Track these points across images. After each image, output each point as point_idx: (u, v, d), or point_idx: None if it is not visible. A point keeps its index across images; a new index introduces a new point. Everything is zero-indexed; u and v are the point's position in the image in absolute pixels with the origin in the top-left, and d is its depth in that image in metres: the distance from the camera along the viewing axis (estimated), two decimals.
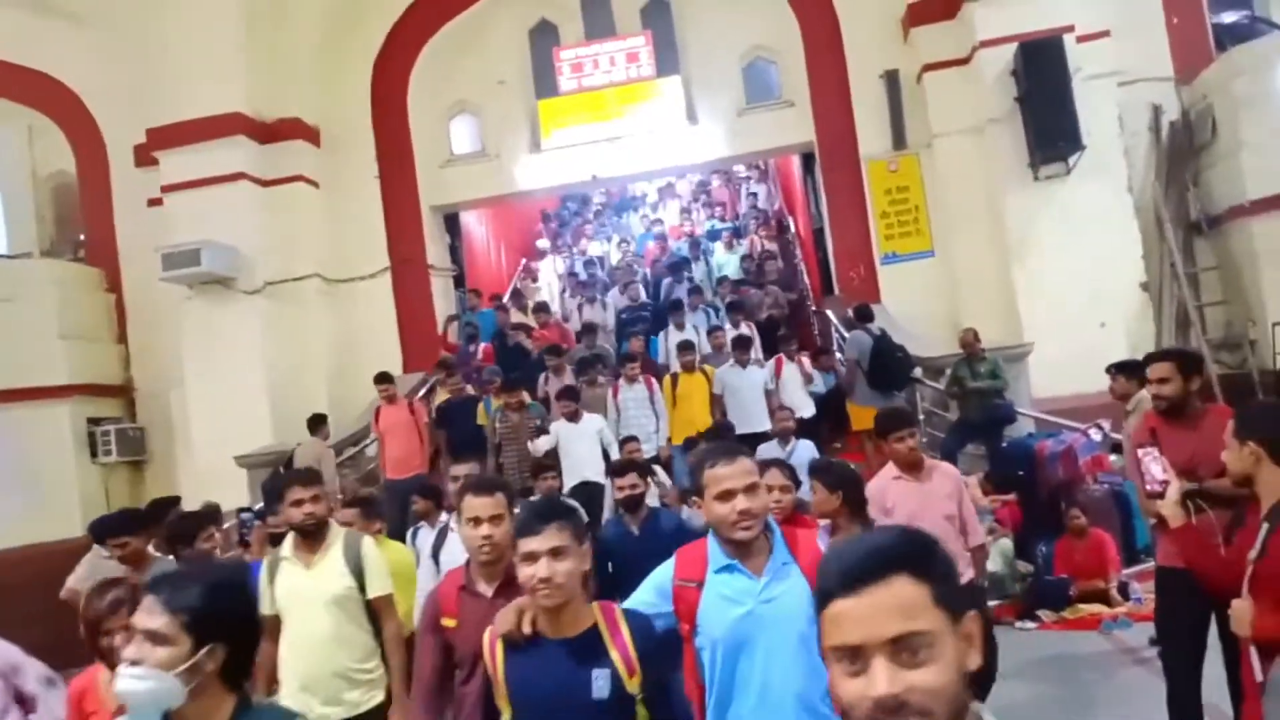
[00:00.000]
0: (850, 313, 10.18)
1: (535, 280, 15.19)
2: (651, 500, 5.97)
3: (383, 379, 9.75)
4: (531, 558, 2.35)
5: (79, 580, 6.62)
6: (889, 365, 9.37)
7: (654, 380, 9.30)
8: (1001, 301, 10.67)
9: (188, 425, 11.53)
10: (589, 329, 11.61)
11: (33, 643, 3.61)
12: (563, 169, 12.92)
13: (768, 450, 7.63)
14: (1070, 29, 10.44)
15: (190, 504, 9.06)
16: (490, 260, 15.60)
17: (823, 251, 12.67)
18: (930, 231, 11.64)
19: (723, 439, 6.31)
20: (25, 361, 11.43)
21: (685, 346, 9.57)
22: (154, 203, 12.08)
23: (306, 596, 3.98)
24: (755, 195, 16.04)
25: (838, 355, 10.63)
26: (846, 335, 10.14)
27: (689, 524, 5.14)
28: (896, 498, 4.77)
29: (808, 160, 12.96)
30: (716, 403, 9.19)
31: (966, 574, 4.76)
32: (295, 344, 11.87)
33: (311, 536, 4.05)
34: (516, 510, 3.08)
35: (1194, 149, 11.36)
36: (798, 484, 4.55)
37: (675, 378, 9.34)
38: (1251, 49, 11.01)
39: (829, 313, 11.65)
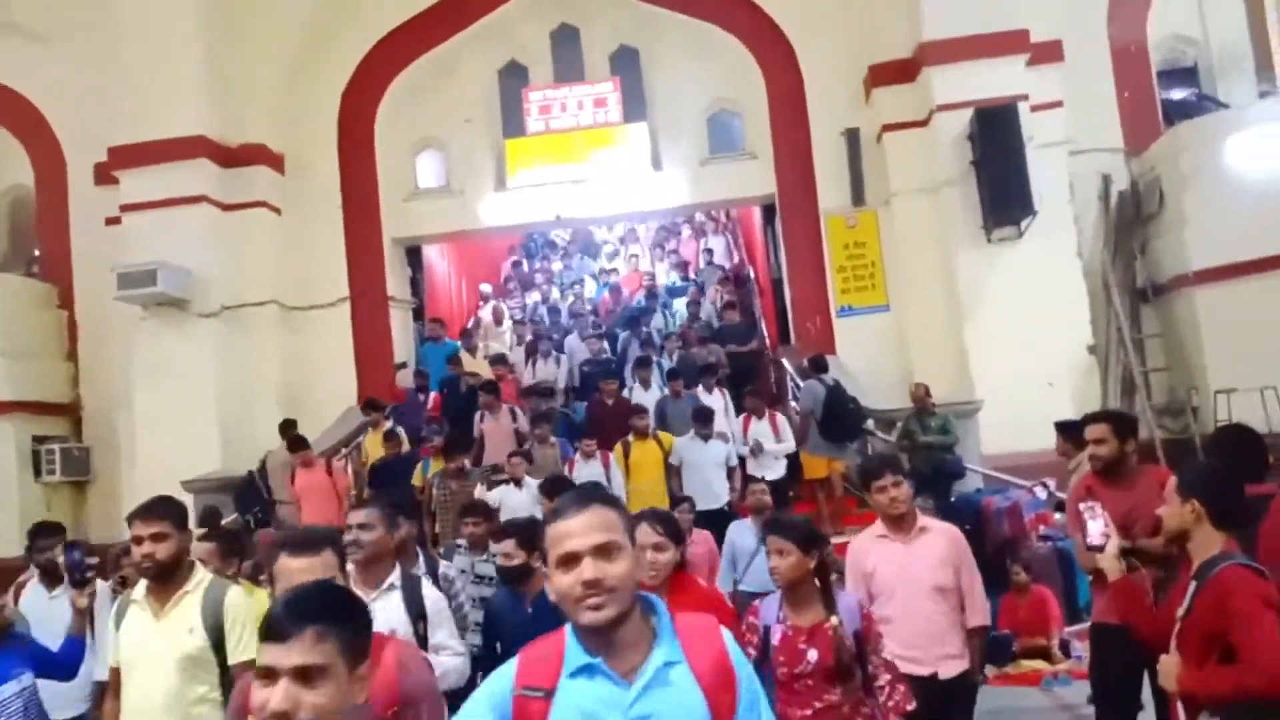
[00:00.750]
0: (805, 363, 10.32)
1: (499, 323, 14.13)
2: None
3: (296, 444, 9.18)
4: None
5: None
6: (842, 416, 9.50)
7: (609, 455, 8.54)
8: (953, 358, 10.88)
9: (134, 446, 11.33)
10: (540, 392, 10.44)
11: None
12: (527, 208, 13.01)
13: (742, 530, 6.80)
14: (1024, 98, 10.79)
15: None
16: (451, 294, 15.59)
17: (781, 302, 12.85)
18: (886, 286, 11.86)
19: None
20: None
21: (637, 411, 9.05)
22: (111, 221, 11.94)
23: (151, 651, 3.32)
24: (710, 251, 15.83)
25: (793, 404, 10.75)
26: (801, 384, 10.27)
27: None
28: (878, 560, 4.15)
29: (768, 212, 13.18)
30: (673, 473, 8.61)
31: (957, 663, 4.07)
32: (249, 370, 11.75)
33: (163, 580, 3.37)
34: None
35: (1141, 219, 11.75)
36: (679, 540, 3.72)
37: (627, 445, 8.70)
38: (1198, 125, 11.47)
39: (785, 362, 11.79)
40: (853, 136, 11.83)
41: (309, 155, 12.70)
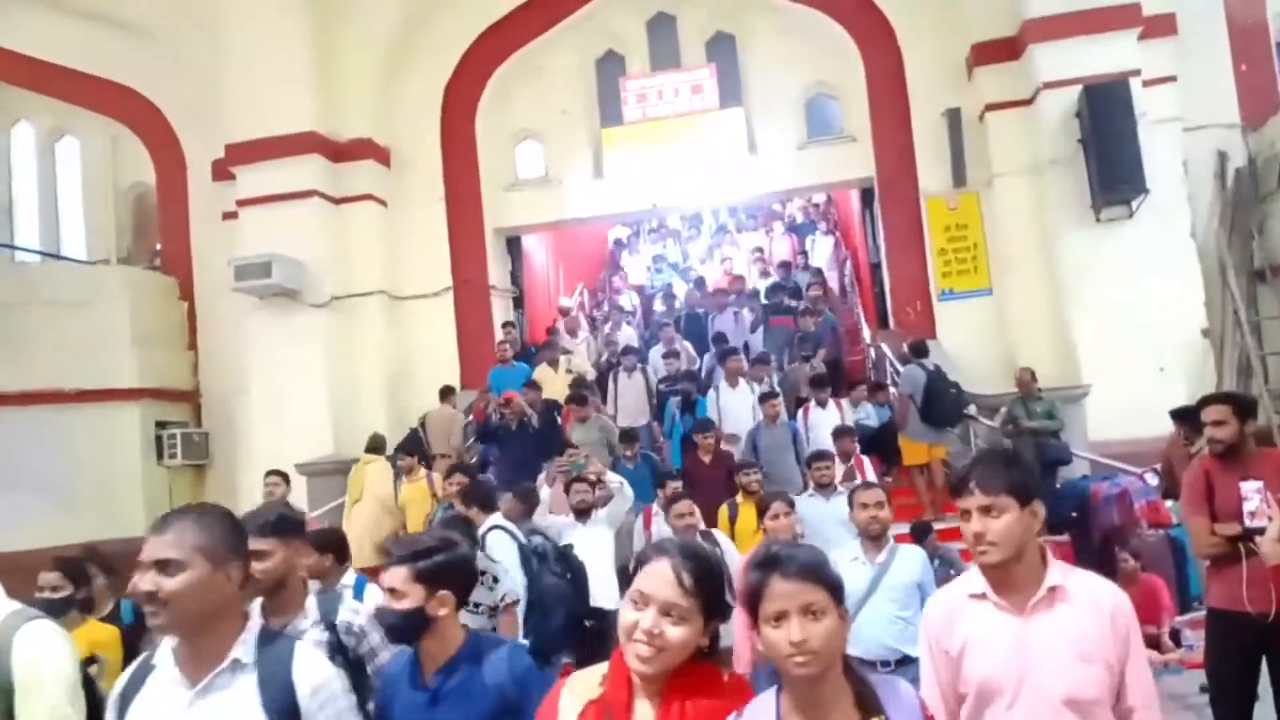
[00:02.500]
0: (905, 347, 10.22)
1: (575, 334, 12.92)
2: None
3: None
4: None
5: None
6: (942, 401, 9.39)
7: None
8: (1059, 342, 10.63)
9: (250, 432, 11.84)
10: (625, 436, 8.81)
11: None
12: (623, 196, 13.14)
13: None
14: (1136, 73, 10.44)
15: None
16: (549, 284, 15.84)
17: (880, 286, 12.71)
18: (988, 269, 11.64)
19: None
20: (98, 364, 11.84)
21: (744, 466, 7.36)
22: (228, 216, 12.49)
23: None
24: (805, 255, 15.13)
25: (892, 390, 10.65)
26: (901, 370, 10.17)
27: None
28: (973, 638, 2.46)
29: (867, 195, 13.04)
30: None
31: None
32: (356, 358, 12.16)
33: None
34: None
35: (1259, 196, 11.26)
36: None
37: (735, 508, 6.92)
38: None
39: (884, 347, 11.68)
40: (954, 117, 11.61)
41: (413, 148, 13.04)
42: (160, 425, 12.46)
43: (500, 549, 5.54)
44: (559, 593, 5.78)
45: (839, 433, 8.19)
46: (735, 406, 9.43)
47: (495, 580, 4.92)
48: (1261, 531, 3.38)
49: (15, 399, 11.23)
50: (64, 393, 11.57)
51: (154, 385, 12.39)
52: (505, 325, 12.53)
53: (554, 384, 10.68)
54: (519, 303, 13.90)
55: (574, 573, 6.07)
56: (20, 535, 9.10)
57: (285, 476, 8.12)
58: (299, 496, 10.52)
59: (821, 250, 15.35)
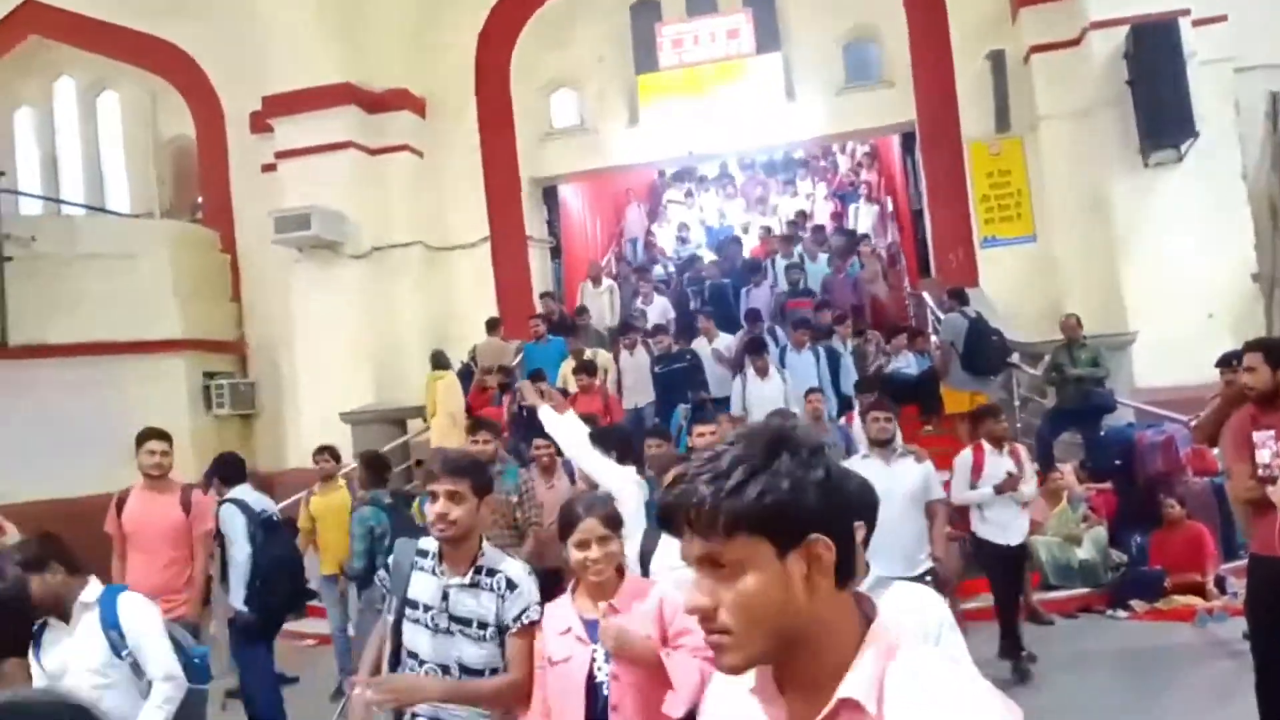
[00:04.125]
0: (945, 295, 10.14)
1: (598, 283, 12.64)
2: None
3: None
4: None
5: None
6: (984, 349, 9.33)
7: None
8: (1104, 288, 10.49)
9: (296, 382, 12.03)
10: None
11: None
12: (660, 144, 13.05)
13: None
14: (1186, 13, 10.15)
15: (302, 458, 9.53)
16: (586, 234, 15.82)
17: (920, 233, 12.58)
18: (1032, 216, 11.47)
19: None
20: (145, 317, 12.01)
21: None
22: (268, 168, 12.57)
23: None
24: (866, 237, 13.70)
25: (933, 338, 10.59)
26: (942, 318, 10.10)
27: None
28: None
29: (907, 141, 12.85)
30: None
31: None
32: (397, 309, 12.28)
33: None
34: None
35: None
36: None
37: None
38: None
39: (925, 295, 11.59)
40: (997, 59, 11.37)
41: (448, 98, 13.01)
42: (208, 376, 12.68)
43: (229, 522, 5.81)
44: (283, 564, 5.97)
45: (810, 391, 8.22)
46: (766, 398, 8.58)
47: None
48: (1275, 480, 3.37)
49: (67, 350, 11.44)
50: (113, 344, 11.77)
51: (200, 337, 12.59)
52: (543, 297, 12.31)
53: (572, 380, 9.96)
54: (556, 253, 13.92)
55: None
56: (76, 483, 9.33)
57: (336, 454, 7.88)
58: (344, 445, 10.72)
59: (865, 217, 14.86)
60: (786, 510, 1.13)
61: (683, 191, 18.71)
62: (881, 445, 5.42)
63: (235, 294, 13.45)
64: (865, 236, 13.46)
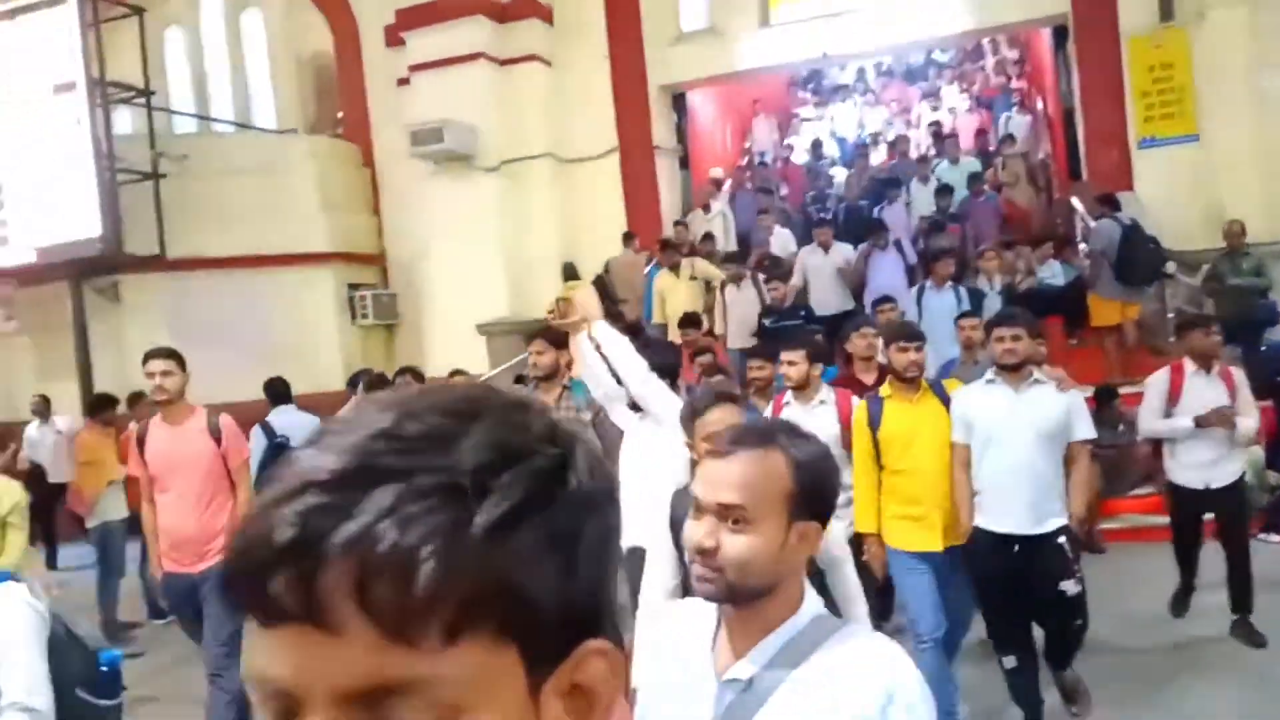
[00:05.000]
0: (1097, 201, 9.59)
1: (708, 209, 12.17)
2: None
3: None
4: None
5: None
6: (1138, 257, 8.82)
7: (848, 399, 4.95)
8: (1271, 193, 9.72)
9: (433, 293, 12.39)
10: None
11: None
12: (792, 46, 12.60)
13: None
14: None
15: (437, 369, 9.86)
16: (716, 142, 15.55)
17: (1072, 134, 11.86)
18: (1194, 114, 10.63)
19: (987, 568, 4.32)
20: (292, 230, 12.49)
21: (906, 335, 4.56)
22: (402, 82, 12.75)
23: None
24: (1012, 137, 12.71)
25: (1081, 246, 10.07)
26: (1092, 225, 9.58)
27: None
28: None
29: (1059, 35, 12.04)
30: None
31: None
32: (528, 221, 12.40)
33: None
34: None
35: None
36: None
37: (880, 405, 4.52)
38: None
39: (1074, 200, 10.98)
40: None
41: (575, 5, 12.84)
42: (352, 287, 13.18)
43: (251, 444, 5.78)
44: None
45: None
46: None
47: None
48: None
49: (223, 263, 12.05)
50: (263, 257, 12.32)
51: (344, 249, 13.06)
52: (677, 225, 11.90)
53: (676, 293, 9.94)
54: (684, 162, 13.75)
55: None
56: (235, 389, 9.88)
57: (420, 376, 7.54)
58: (480, 357, 11.05)
59: (1016, 128, 13.37)
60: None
61: (815, 102, 17.96)
62: (1010, 370, 4.31)
63: (375, 207, 13.85)
64: (1009, 137, 12.75)
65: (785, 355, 5.05)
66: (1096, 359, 8.86)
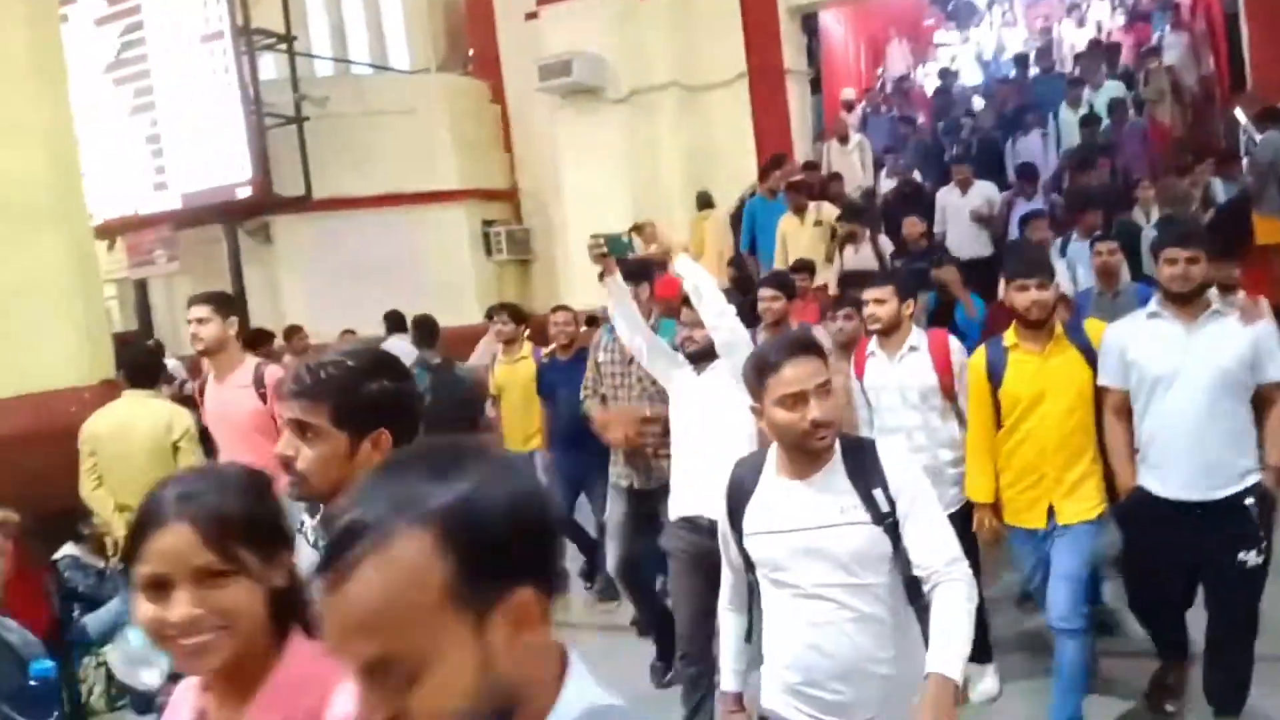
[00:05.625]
0: (1262, 115, 8.92)
1: (845, 140, 11.63)
2: None
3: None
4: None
5: (478, 357, 7.99)
6: None
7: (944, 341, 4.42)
8: None
9: (565, 229, 12.53)
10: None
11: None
12: None
13: None
14: None
15: (573, 303, 10.00)
16: (848, 66, 15.07)
17: (1235, 38, 11.01)
18: None
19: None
20: (427, 169, 12.81)
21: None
22: (530, 16, 12.78)
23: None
24: (1156, 50, 11.82)
25: (1244, 160, 9.42)
26: (1258, 138, 8.93)
27: None
28: None
29: None
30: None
31: None
32: (656, 153, 12.34)
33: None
34: None
35: None
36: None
37: (1004, 355, 3.92)
38: None
39: (1237, 112, 10.24)
40: None
41: None
42: (486, 224, 13.46)
43: None
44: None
45: None
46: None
47: None
48: None
49: (364, 203, 12.48)
50: (401, 196, 12.69)
51: (477, 186, 13.32)
52: (805, 167, 11.17)
53: (799, 239, 9.13)
54: (816, 86, 13.39)
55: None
56: (378, 325, 10.29)
57: (518, 313, 7.28)
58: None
59: (1171, 49, 12.25)
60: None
61: (951, 24, 17.12)
62: (1181, 301, 3.57)
63: (507, 143, 14.03)
64: (1153, 50, 11.92)
65: (870, 293, 4.36)
66: (1261, 280, 8.34)
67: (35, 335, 3.27)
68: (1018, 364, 3.84)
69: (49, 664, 2.44)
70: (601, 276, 4.29)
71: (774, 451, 2.46)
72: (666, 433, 4.30)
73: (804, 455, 2.36)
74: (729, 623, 2.69)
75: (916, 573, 2.36)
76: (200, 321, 4.30)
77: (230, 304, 4.47)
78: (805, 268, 7.70)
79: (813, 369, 2.30)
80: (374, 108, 12.84)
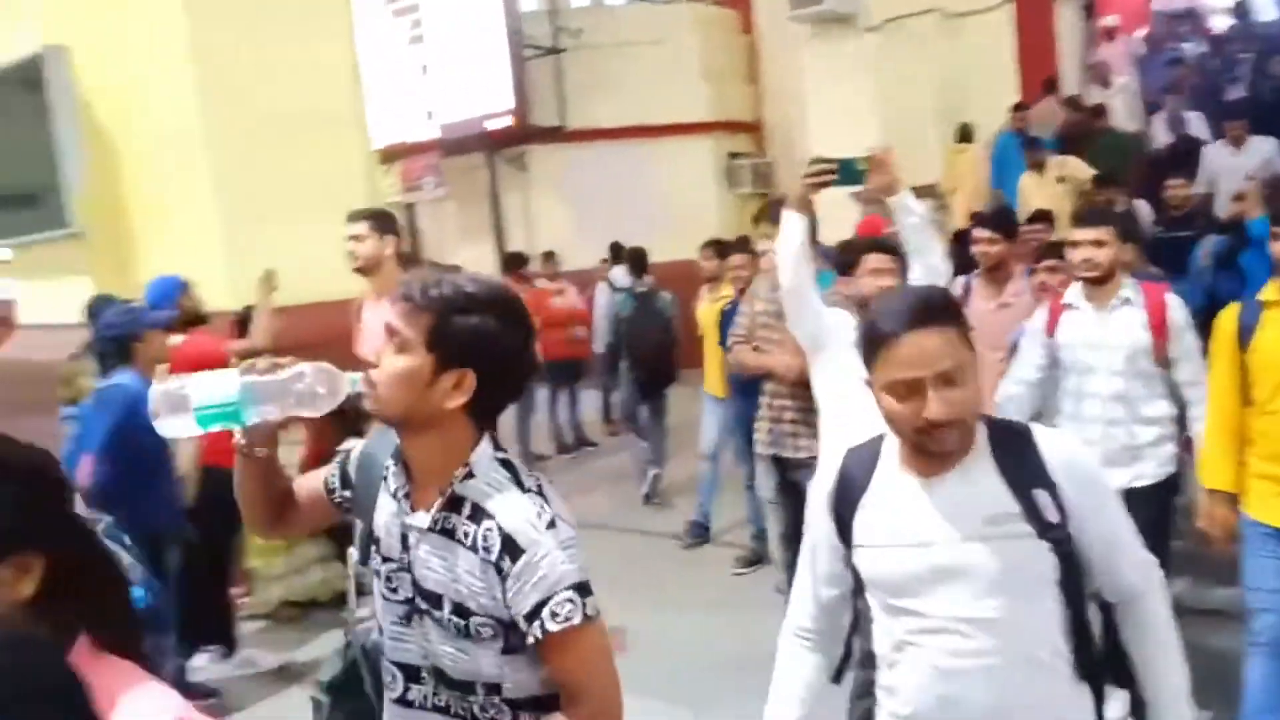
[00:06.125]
0: None
1: (1106, 83, 10.70)
2: None
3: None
4: None
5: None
6: None
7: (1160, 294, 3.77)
8: None
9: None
10: None
11: None
12: None
13: None
14: None
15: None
16: None
17: None
18: None
19: None
20: (676, 100, 12.97)
21: None
22: None
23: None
24: None
25: None
26: None
27: None
28: None
29: None
30: None
31: None
32: (908, 83, 11.86)
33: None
34: None
35: None
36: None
37: (1257, 314, 3.26)
38: None
39: None
40: None
41: None
42: (731, 156, 13.52)
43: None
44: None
45: None
46: None
47: None
48: None
49: (614, 134, 12.84)
50: (649, 127, 12.95)
51: (723, 118, 13.38)
52: (1068, 102, 10.34)
53: (1039, 197, 8.16)
54: (1090, 9, 12.42)
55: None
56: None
57: (725, 248, 6.88)
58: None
59: None
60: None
61: None
62: None
63: (753, 75, 13.97)
64: None
65: (1084, 233, 3.72)
66: None
67: (327, 248, 3.66)
68: (1276, 324, 3.17)
69: (137, 591, 2.30)
70: (781, 208, 3.83)
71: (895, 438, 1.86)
72: (809, 401, 3.89)
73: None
74: (801, 661, 2.03)
75: (1105, 598, 1.87)
76: (357, 239, 4.11)
77: (390, 223, 4.23)
78: (1045, 217, 6.68)
79: (938, 347, 1.69)
80: (626, 38, 13.09)
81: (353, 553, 1.81)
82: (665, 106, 12.94)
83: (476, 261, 12.18)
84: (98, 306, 5.21)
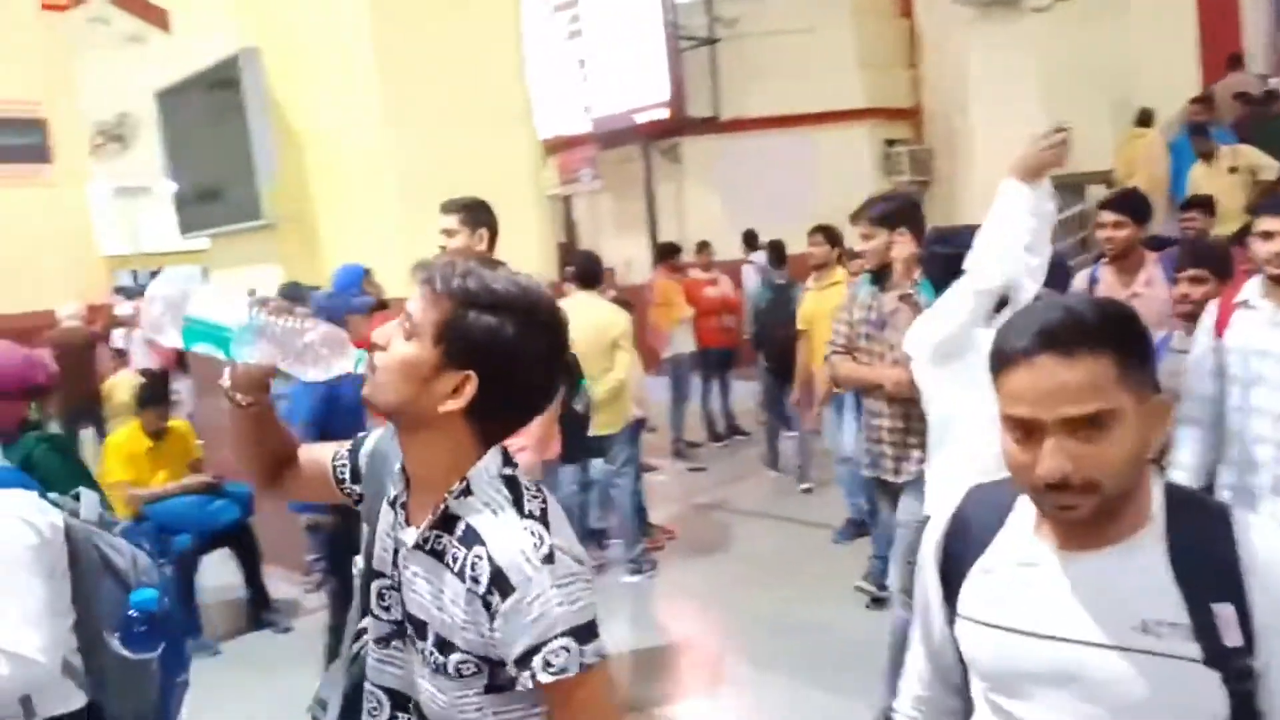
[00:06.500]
0: None
1: None
2: None
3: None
4: None
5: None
6: None
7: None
8: None
9: (971, 147, 12.07)
10: None
11: None
12: None
13: None
14: None
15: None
16: None
17: None
18: None
19: None
20: (828, 87, 12.84)
21: None
22: None
23: None
24: None
25: None
26: None
27: None
28: None
29: None
30: None
31: None
32: (1080, 64, 11.37)
33: None
34: None
35: None
36: None
37: None
38: None
39: None
40: None
41: None
42: (888, 143, 13.31)
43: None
44: None
45: None
46: None
47: None
48: None
49: (767, 123, 12.83)
50: (803, 115, 12.85)
51: (880, 104, 13.18)
52: (1238, 97, 9.64)
53: (1210, 189, 7.36)
54: None
55: None
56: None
57: (833, 235, 6.50)
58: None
59: None
60: None
61: None
62: None
63: (912, 60, 13.69)
64: None
65: (1268, 222, 3.04)
66: None
67: (501, 235, 3.82)
68: None
69: (151, 593, 2.22)
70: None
71: None
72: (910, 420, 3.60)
73: None
74: None
75: None
76: (448, 233, 3.80)
77: (484, 215, 3.86)
78: (1202, 204, 6.09)
79: (1075, 381, 1.19)
80: (780, 26, 13.02)
81: (358, 561, 1.62)
82: (820, 94, 12.83)
83: (631, 252, 12.40)
84: (288, 292, 5.58)
